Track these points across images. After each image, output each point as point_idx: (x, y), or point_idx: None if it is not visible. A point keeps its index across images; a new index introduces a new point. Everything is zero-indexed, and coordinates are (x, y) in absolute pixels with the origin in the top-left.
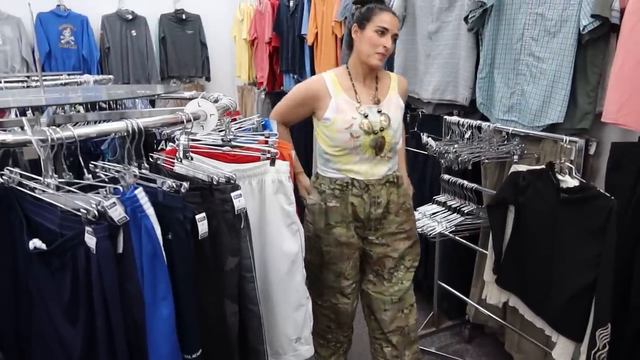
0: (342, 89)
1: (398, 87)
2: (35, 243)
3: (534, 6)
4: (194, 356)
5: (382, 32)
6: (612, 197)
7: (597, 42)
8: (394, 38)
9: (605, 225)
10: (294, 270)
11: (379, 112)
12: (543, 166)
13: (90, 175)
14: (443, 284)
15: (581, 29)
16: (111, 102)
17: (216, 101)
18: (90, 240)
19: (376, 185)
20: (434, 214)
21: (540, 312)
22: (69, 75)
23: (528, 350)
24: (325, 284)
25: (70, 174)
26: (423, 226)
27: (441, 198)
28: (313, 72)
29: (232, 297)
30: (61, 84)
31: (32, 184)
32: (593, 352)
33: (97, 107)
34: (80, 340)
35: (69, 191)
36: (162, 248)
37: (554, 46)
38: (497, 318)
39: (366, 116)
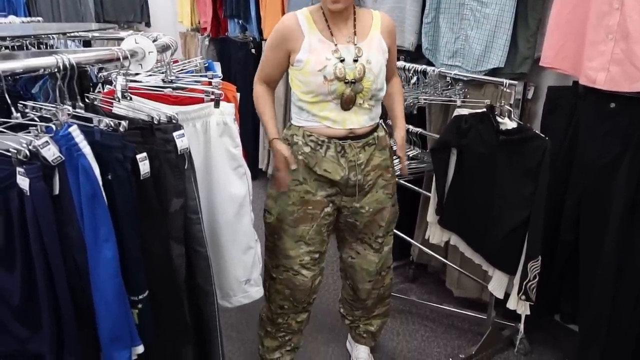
0: (316, 28)
1: (381, 26)
2: None
3: None
4: (140, 297)
5: None
6: (547, 138)
7: None
8: None
9: (539, 165)
10: (242, 213)
11: (355, 60)
12: (484, 110)
13: (19, 115)
14: None
15: None
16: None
17: (155, 40)
18: (23, 182)
19: (354, 147)
20: None
21: (479, 249)
22: None
23: (467, 286)
24: (283, 253)
25: None
26: None
27: None
28: (258, 17)
29: (177, 238)
30: None
31: None
32: (525, 282)
33: (25, 48)
34: (19, 287)
35: None
36: (102, 189)
37: None
38: (439, 257)
39: (342, 60)
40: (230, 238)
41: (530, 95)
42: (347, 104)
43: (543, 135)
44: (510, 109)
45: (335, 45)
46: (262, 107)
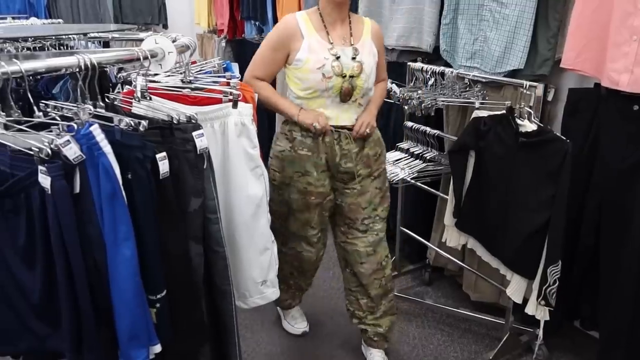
0: (314, 30)
1: (371, 32)
2: None
3: None
4: (158, 296)
5: None
6: (568, 140)
7: None
8: None
9: (560, 168)
10: (259, 214)
11: (353, 58)
12: (504, 111)
13: (41, 114)
14: (405, 230)
15: None
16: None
17: (174, 41)
18: (45, 180)
19: (348, 137)
20: (397, 160)
21: (497, 253)
22: (13, 19)
23: (484, 290)
24: (291, 232)
25: (19, 111)
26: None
27: (404, 145)
28: (275, 19)
29: (196, 238)
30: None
31: None
32: (544, 287)
33: (46, 49)
34: (40, 284)
35: (19, 130)
36: (122, 188)
37: None
38: (456, 260)
39: (338, 57)
40: (247, 239)
41: (550, 97)
42: (345, 95)
43: (564, 138)
44: (531, 110)
45: (332, 44)
46: (271, 93)
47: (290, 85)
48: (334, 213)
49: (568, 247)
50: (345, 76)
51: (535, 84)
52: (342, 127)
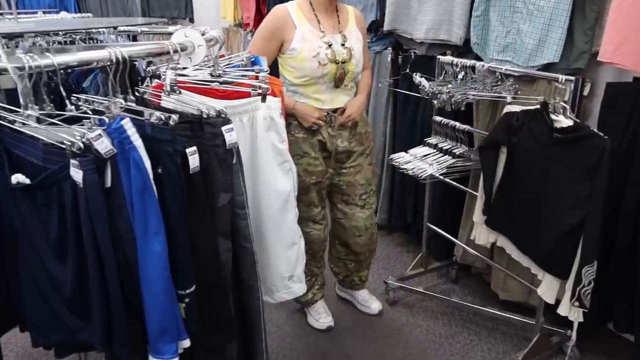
0: (305, 19)
1: (355, 20)
2: (18, 178)
3: None
4: (187, 291)
5: None
6: (606, 137)
7: None
8: None
9: (597, 165)
10: (287, 208)
11: (343, 44)
12: (537, 106)
13: (73, 107)
14: (432, 226)
15: None
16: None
17: (203, 34)
18: (77, 174)
19: (333, 116)
20: (424, 156)
21: (528, 251)
22: (44, 13)
23: (513, 289)
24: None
25: (52, 105)
26: (414, 168)
27: (432, 140)
28: None
29: (225, 233)
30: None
31: (12, 117)
32: (578, 288)
33: (76, 43)
34: (71, 278)
35: (51, 124)
36: (153, 182)
37: None
38: (484, 258)
39: (330, 45)
40: (274, 233)
41: (586, 92)
42: (339, 81)
43: (601, 134)
44: (566, 105)
45: (323, 32)
46: None
47: (284, 73)
48: (330, 192)
49: (603, 245)
50: (338, 62)
51: (571, 77)
52: (335, 110)
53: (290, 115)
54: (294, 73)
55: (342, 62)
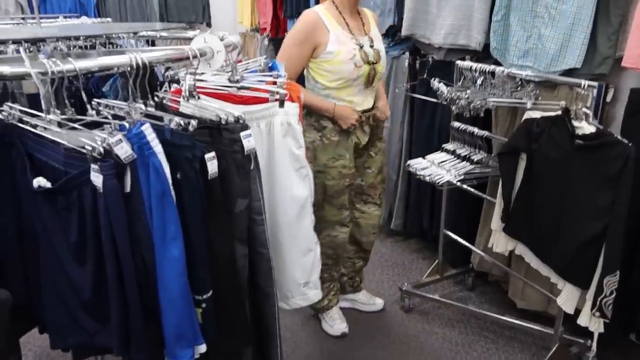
0: (336, 23)
1: (375, 21)
2: (40, 181)
3: None
4: (204, 297)
5: None
6: (630, 144)
7: None
8: None
9: (620, 173)
10: (303, 215)
11: (371, 46)
12: (558, 112)
13: (93, 112)
14: (449, 233)
15: None
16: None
17: (222, 39)
18: (97, 179)
19: (364, 117)
20: (442, 162)
21: (547, 260)
22: (65, 18)
23: (531, 298)
24: (326, 219)
25: (72, 109)
26: (431, 174)
27: (450, 146)
28: None
29: (241, 239)
30: None
31: (34, 121)
32: (600, 298)
33: (96, 48)
34: (90, 282)
35: (72, 128)
36: (172, 187)
37: None
38: (502, 265)
39: (362, 47)
40: (291, 240)
41: (609, 98)
42: (371, 82)
43: (626, 141)
44: (588, 111)
45: (352, 35)
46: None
47: (317, 77)
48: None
49: (627, 254)
50: (371, 63)
51: (595, 83)
52: (364, 111)
53: (324, 118)
54: (329, 76)
55: (374, 63)
